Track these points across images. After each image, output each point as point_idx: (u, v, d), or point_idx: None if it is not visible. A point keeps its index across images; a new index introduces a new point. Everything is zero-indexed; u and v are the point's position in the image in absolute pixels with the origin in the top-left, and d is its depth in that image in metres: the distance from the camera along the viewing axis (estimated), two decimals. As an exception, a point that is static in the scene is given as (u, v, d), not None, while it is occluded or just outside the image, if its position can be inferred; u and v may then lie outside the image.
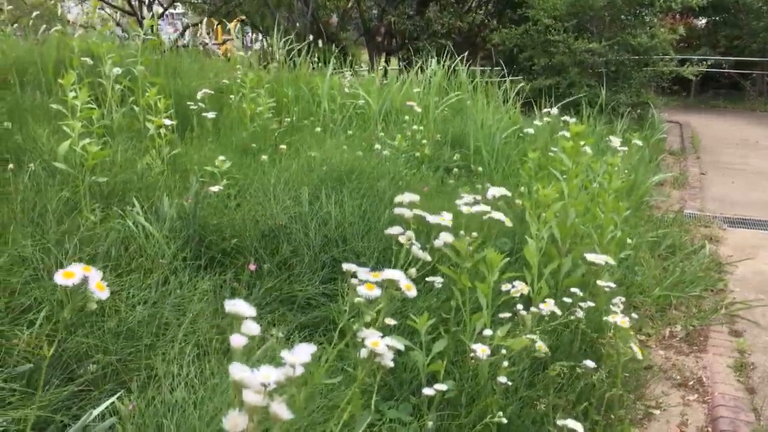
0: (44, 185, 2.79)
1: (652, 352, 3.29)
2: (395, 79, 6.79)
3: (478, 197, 2.27)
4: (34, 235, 2.32)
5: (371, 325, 1.28)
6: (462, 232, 2.04)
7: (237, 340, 1.07)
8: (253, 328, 1.10)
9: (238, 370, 0.99)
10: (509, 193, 2.25)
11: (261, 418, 0.99)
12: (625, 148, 3.77)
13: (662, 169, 7.27)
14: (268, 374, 0.99)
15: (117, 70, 3.89)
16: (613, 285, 2.36)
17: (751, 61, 15.52)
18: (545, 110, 5.48)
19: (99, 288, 1.16)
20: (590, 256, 2.37)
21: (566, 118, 4.64)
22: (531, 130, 4.99)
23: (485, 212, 2.05)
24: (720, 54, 15.60)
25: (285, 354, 1.05)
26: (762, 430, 2.62)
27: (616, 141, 3.41)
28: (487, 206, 2.09)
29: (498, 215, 2.06)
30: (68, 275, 1.13)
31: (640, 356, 2.07)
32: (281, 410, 0.98)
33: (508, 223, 2.08)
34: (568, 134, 2.87)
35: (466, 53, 7.32)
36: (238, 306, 1.12)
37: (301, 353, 1.06)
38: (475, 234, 2.06)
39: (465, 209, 2.07)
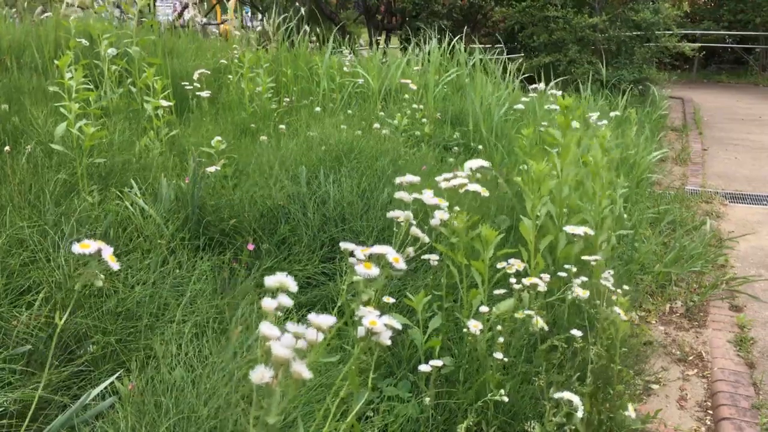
0: (41, 167, 2.79)
1: (652, 328, 3.30)
2: (395, 57, 6.74)
3: (471, 174, 2.25)
4: (32, 217, 2.32)
5: (369, 303, 1.28)
6: (457, 208, 2.03)
7: (268, 303, 1.13)
8: (286, 301, 1.15)
9: (267, 328, 1.04)
10: (488, 164, 2.22)
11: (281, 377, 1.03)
12: (605, 121, 3.76)
13: (664, 146, 7.24)
14: (300, 331, 1.05)
15: (113, 51, 3.87)
16: (599, 257, 2.36)
17: (755, 36, 15.38)
18: (533, 86, 5.46)
19: (112, 259, 1.22)
20: (569, 228, 2.36)
21: (556, 92, 4.62)
22: (521, 106, 4.96)
23: (462, 185, 2.03)
24: (723, 28, 15.46)
25: (311, 316, 1.09)
26: (762, 404, 2.63)
27: (594, 115, 3.44)
28: (465, 179, 2.06)
29: (474, 187, 2.03)
30: (84, 246, 1.20)
31: (624, 318, 2.06)
32: (303, 369, 1.02)
33: (485, 194, 2.06)
34: (555, 107, 2.85)
35: (466, 31, 7.25)
36: (281, 279, 1.17)
37: (326, 318, 1.10)
38: (457, 208, 2.05)
39: (444, 184, 2.05)
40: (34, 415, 1.63)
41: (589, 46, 10.03)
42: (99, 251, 1.16)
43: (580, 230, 2.31)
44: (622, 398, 2.19)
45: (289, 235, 2.79)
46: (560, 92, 5.22)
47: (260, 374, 1.01)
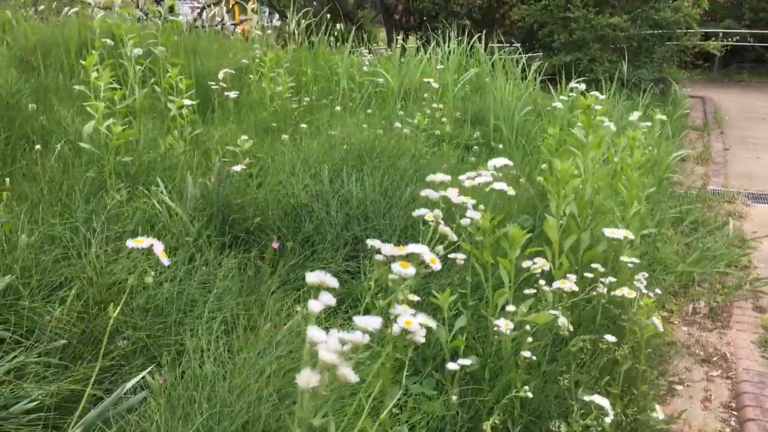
0: (70, 165, 2.83)
1: (676, 329, 3.29)
2: (414, 57, 6.75)
3: (495, 173, 2.25)
4: (63, 214, 2.36)
5: (396, 299, 1.29)
6: (482, 207, 2.04)
7: (314, 305, 1.14)
8: (329, 299, 1.16)
9: (315, 332, 1.05)
10: (511, 163, 2.21)
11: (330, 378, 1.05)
12: (649, 123, 3.73)
13: (685, 145, 7.19)
14: (344, 337, 1.06)
15: (138, 51, 3.91)
16: (636, 260, 2.35)
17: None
18: (570, 85, 5.42)
19: (163, 256, 1.26)
20: (608, 231, 2.35)
21: (599, 95, 4.58)
22: (559, 104, 4.92)
23: (488, 183, 2.02)
24: (745, 26, 15.28)
25: (357, 318, 1.10)
26: (786, 406, 2.61)
27: (635, 115, 3.40)
28: (489, 177, 2.06)
29: (500, 185, 2.03)
30: (138, 241, 1.25)
31: (661, 328, 2.06)
32: (349, 373, 1.04)
33: (510, 192, 2.05)
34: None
35: (485, 30, 7.25)
36: (322, 276, 1.19)
37: (372, 321, 1.11)
38: (482, 206, 2.05)
39: (467, 183, 2.04)
40: (68, 409, 1.66)
41: (609, 44, 9.97)
42: (151, 247, 1.20)
43: (620, 233, 2.29)
44: (646, 398, 2.19)
45: (312, 233, 2.81)
46: (583, 88, 5.20)
47: (307, 378, 1.02)
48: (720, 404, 2.69)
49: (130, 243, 1.21)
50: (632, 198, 2.70)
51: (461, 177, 2.12)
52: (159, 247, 1.23)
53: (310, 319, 1.12)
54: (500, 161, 2.17)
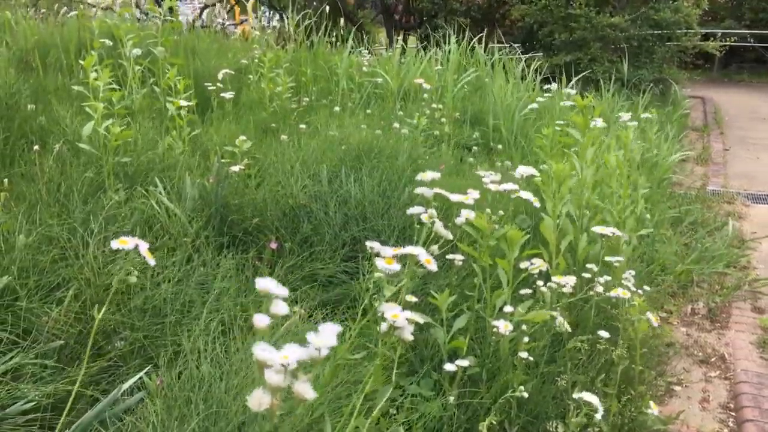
0: (69, 166, 2.83)
1: (674, 329, 3.28)
2: (414, 57, 6.74)
3: (499, 175, 2.26)
4: (61, 215, 2.36)
5: (392, 299, 1.29)
6: (488, 210, 2.04)
7: (261, 320, 1.07)
8: (282, 307, 1.11)
9: (261, 350, 0.98)
10: (536, 173, 2.25)
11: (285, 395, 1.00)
12: (635, 123, 3.75)
13: (685, 145, 7.18)
14: (288, 355, 0.98)
15: (137, 51, 3.91)
16: (621, 259, 2.35)
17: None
18: (546, 86, 5.45)
19: (149, 255, 1.25)
20: (597, 228, 2.36)
21: (571, 91, 4.59)
22: (535, 105, 4.94)
23: (514, 191, 2.06)
24: (745, 27, 15.27)
25: (310, 336, 1.04)
26: (784, 406, 2.61)
27: (626, 115, 3.44)
28: (515, 185, 2.09)
29: (526, 195, 2.07)
30: (123, 242, 1.23)
31: (655, 324, 2.06)
32: (305, 389, 0.97)
33: (536, 204, 2.09)
34: (569, 105, 2.85)
35: (485, 30, 7.25)
36: (267, 284, 1.12)
37: (328, 336, 1.04)
38: (501, 212, 2.07)
39: (493, 187, 2.07)
40: (65, 410, 1.66)
41: (609, 44, 9.97)
42: (137, 247, 1.19)
43: (608, 231, 2.30)
44: (644, 399, 2.19)
45: (311, 233, 2.81)
46: (578, 91, 5.20)
47: (258, 400, 0.95)
48: (718, 405, 2.69)
49: (115, 244, 1.20)
50: (625, 196, 2.70)
51: (484, 180, 2.15)
52: (144, 247, 1.22)
53: (257, 334, 1.06)
54: (527, 170, 2.23)
